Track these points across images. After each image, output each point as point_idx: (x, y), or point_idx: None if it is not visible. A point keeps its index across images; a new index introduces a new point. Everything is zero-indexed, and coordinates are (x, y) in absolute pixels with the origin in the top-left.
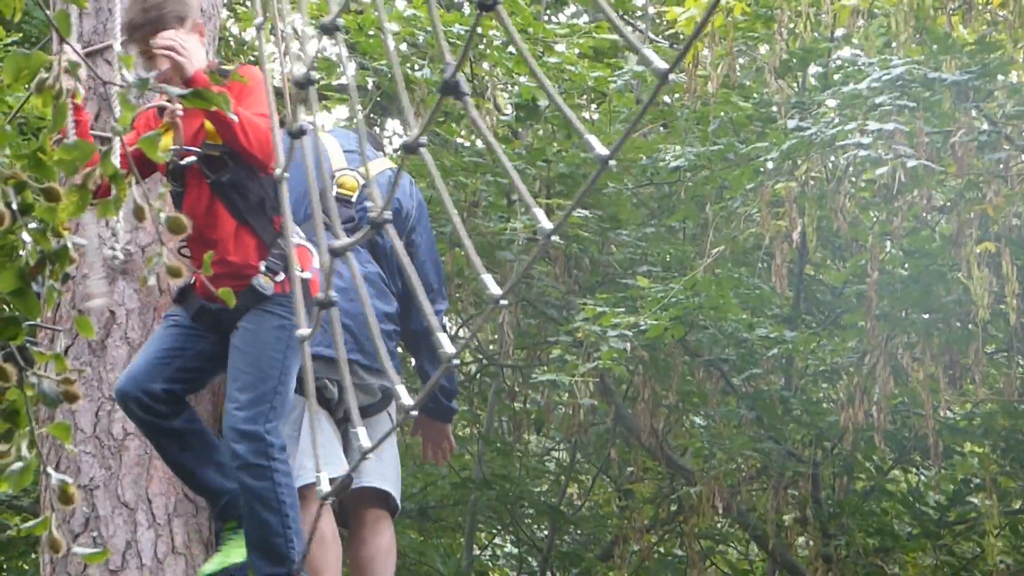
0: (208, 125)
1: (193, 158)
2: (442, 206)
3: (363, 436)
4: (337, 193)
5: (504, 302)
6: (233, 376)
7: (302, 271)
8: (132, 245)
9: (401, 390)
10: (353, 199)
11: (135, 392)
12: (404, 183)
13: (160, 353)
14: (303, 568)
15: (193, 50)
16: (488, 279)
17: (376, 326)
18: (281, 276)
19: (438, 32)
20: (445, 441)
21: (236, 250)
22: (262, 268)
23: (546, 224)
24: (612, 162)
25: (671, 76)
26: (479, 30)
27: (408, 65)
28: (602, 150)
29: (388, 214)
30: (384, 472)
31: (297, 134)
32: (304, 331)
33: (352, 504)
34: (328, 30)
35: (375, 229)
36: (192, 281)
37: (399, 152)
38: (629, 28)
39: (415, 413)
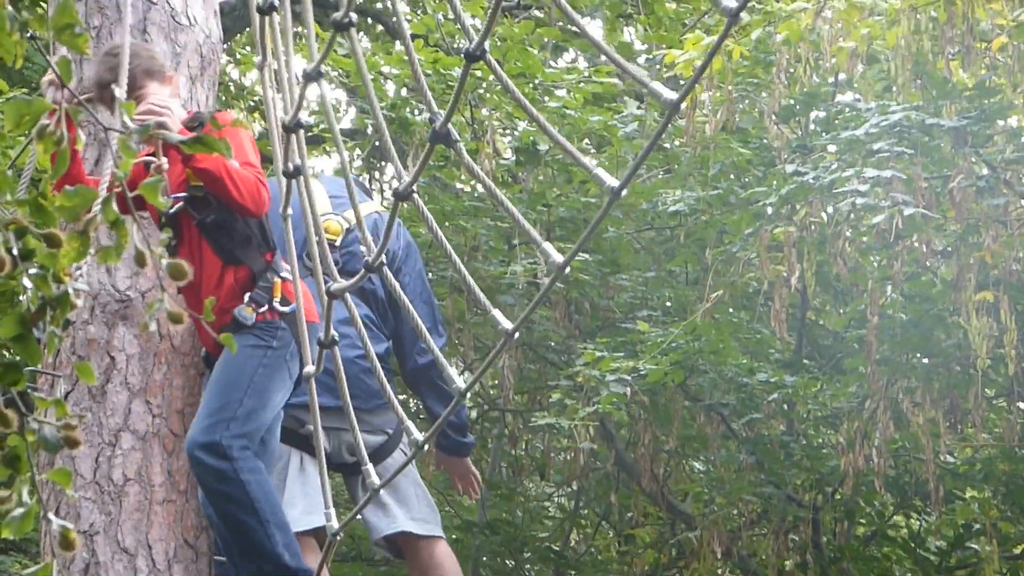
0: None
1: (180, 204)
2: (441, 250)
3: (373, 473)
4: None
5: (516, 336)
6: (204, 391)
7: (289, 304)
8: (132, 291)
9: (410, 425)
10: (338, 243)
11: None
12: (373, 221)
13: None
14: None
15: (171, 107)
16: (498, 314)
17: (379, 367)
18: (264, 307)
19: (421, 83)
20: (469, 474)
21: (221, 288)
22: (245, 300)
23: (556, 258)
24: (624, 191)
25: (682, 106)
26: (479, 73)
27: (407, 109)
28: (612, 182)
29: (383, 258)
30: (417, 514)
31: (293, 174)
32: (310, 368)
33: (403, 546)
34: (311, 77)
35: (370, 272)
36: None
37: (391, 199)
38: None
39: (427, 447)
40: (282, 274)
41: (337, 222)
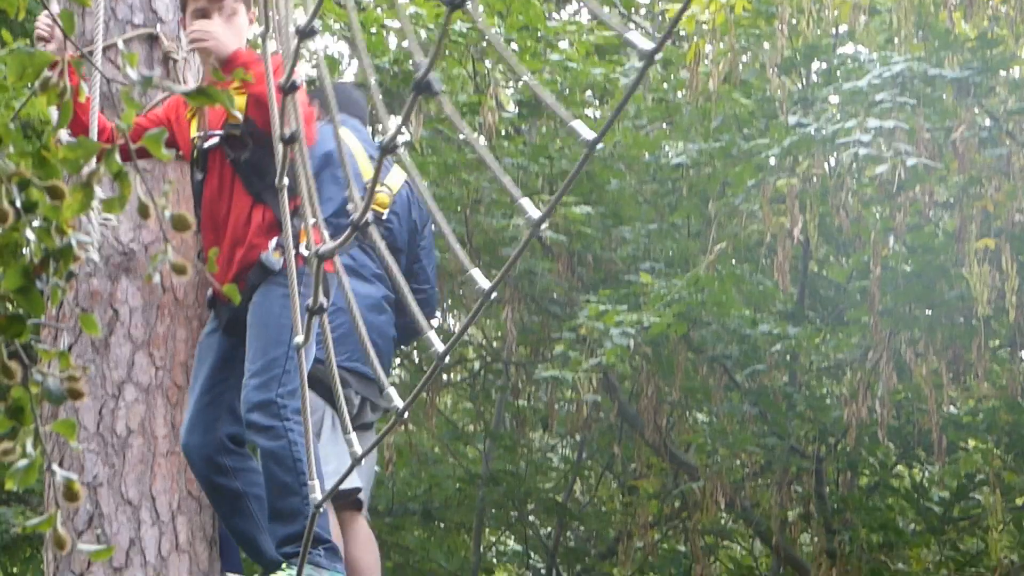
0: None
1: (215, 140)
2: (442, 203)
3: (355, 442)
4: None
5: (494, 295)
6: (247, 351)
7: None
8: (135, 243)
9: (392, 392)
10: (384, 216)
11: (197, 454)
12: (405, 193)
13: (208, 398)
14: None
15: (222, 33)
16: (477, 273)
17: (363, 330)
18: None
19: (407, 29)
20: None
21: (249, 226)
22: (271, 244)
23: (533, 213)
24: (600, 145)
25: (657, 56)
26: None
27: (408, 62)
28: (588, 134)
29: (370, 216)
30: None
31: (289, 140)
32: (299, 338)
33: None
34: (305, 34)
35: (356, 231)
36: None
37: (377, 153)
38: (632, 25)
39: (407, 415)
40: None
41: (385, 194)
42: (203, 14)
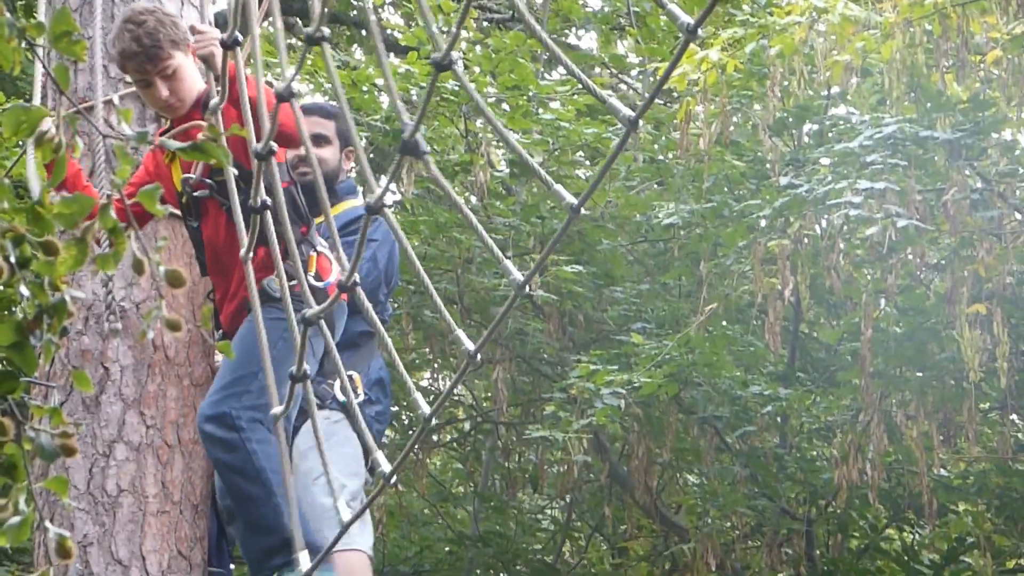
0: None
1: (206, 191)
2: (436, 262)
3: (383, 461)
4: None
5: (478, 358)
6: (217, 375)
7: (323, 280)
8: (126, 301)
9: (381, 457)
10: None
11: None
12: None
13: None
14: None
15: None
16: (462, 335)
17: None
18: (294, 281)
19: (392, 91)
20: None
21: (255, 262)
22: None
23: (517, 276)
24: (583, 210)
25: (638, 125)
26: (472, 85)
27: (398, 122)
28: (571, 199)
29: (357, 277)
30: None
31: (259, 209)
32: (277, 409)
33: None
34: (283, 97)
35: (343, 292)
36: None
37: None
38: (624, 86)
39: (435, 421)
40: (318, 248)
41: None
42: (146, 84)
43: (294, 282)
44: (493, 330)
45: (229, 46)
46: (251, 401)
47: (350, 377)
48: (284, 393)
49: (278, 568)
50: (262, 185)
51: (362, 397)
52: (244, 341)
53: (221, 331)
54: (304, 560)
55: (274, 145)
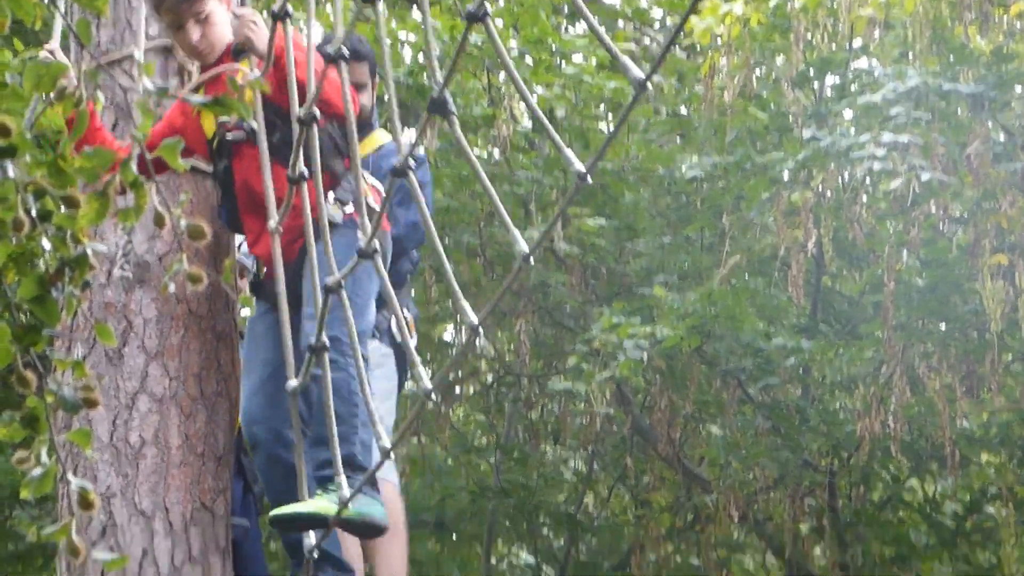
0: (249, 94)
1: (241, 132)
2: (457, 215)
3: (424, 376)
4: None
5: (480, 330)
6: (306, 295)
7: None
8: (149, 254)
9: (422, 371)
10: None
11: (263, 427)
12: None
13: (269, 370)
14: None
15: (259, 23)
16: (467, 307)
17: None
18: (350, 207)
19: (430, 47)
20: None
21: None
22: (331, 199)
23: (524, 247)
24: (589, 178)
25: (649, 84)
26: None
27: (424, 75)
28: (579, 167)
29: (376, 244)
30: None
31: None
32: (293, 382)
33: None
34: (332, 58)
35: (364, 259)
36: (254, 270)
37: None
38: (647, 39)
39: (433, 397)
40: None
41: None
42: (178, 27)
43: (349, 208)
44: (495, 303)
45: (280, 17)
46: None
47: (405, 318)
48: (369, 321)
49: (328, 479)
50: (301, 154)
51: (415, 339)
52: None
53: (260, 269)
54: (344, 483)
55: (317, 111)
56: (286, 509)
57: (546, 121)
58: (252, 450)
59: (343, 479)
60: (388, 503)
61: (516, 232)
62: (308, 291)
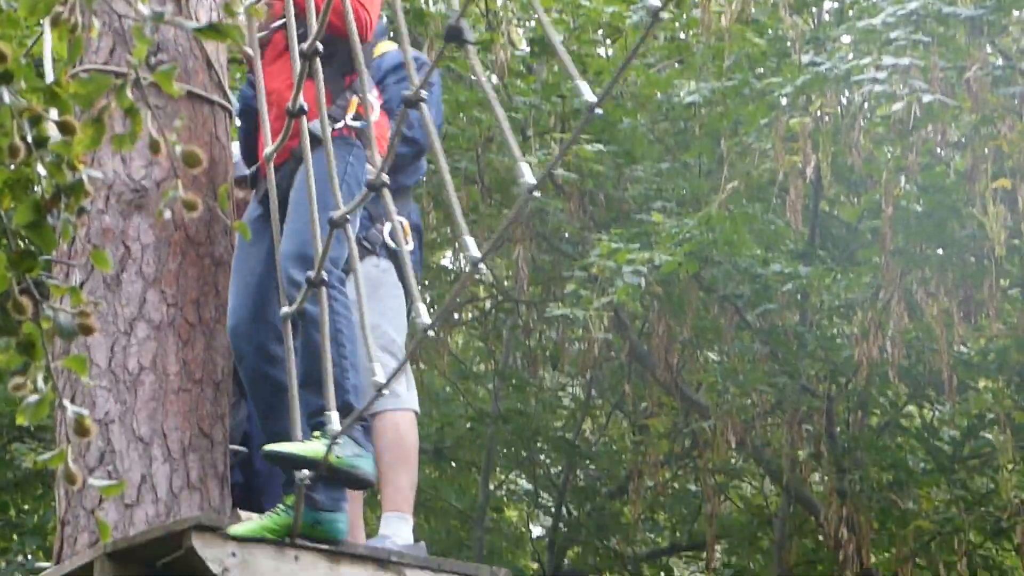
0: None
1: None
2: (455, 140)
3: (423, 311)
4: None
5: (481, 265)
6: (291, 217)
7: (361, 119)
8: (147, 180)
9: (421, 307)
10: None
11: (248, 341)
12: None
13: (255, 281)
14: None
15: None
16: (470, 241)
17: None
18: (340, 123)
19: None
20: None
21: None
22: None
23: (530, 178)
24: (598, 110)
25: (663, 14)
26: None
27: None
28: (591, 96)
29: (385, 178)
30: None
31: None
32: (286, 308)
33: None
34: None
35: (372, 191)
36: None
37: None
38: None
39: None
40: (360, 94)
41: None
42: None
43: (339, 124)
44: (498, 237)
45: None
46: (332, 252)
47: (400, 223)
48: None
49: (321, 425)
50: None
51: (411, 245)
52: (306, 187)
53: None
54: (335, 420)
55: (319, 46)
56: (279, 448)
57: (559, 45)
58: (237, 363)
59: (335, 423)
60: (404, 433)
61: (525, 165)
62: (294, 202)
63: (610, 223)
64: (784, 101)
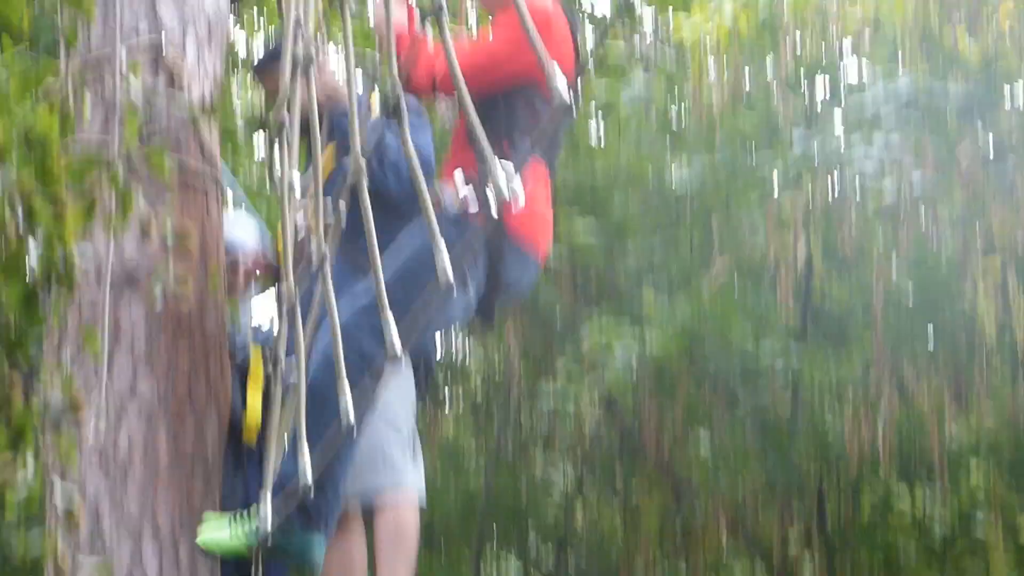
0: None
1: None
2: None
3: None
4: None
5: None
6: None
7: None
8: (138, 257)
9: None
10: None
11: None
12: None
13: None
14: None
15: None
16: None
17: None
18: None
19: None
20: None
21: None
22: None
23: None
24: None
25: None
26: None
27: None
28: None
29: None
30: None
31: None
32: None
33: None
34: None
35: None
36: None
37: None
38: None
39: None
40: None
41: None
42: None
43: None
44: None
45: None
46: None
47: None
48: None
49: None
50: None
51: None
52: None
53: None
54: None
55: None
56: (206, 541)
57: (540, 45)
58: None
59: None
60: (406, 519)
61: (495, 161)
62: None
63: (601, 299)
64: (775, 179)
